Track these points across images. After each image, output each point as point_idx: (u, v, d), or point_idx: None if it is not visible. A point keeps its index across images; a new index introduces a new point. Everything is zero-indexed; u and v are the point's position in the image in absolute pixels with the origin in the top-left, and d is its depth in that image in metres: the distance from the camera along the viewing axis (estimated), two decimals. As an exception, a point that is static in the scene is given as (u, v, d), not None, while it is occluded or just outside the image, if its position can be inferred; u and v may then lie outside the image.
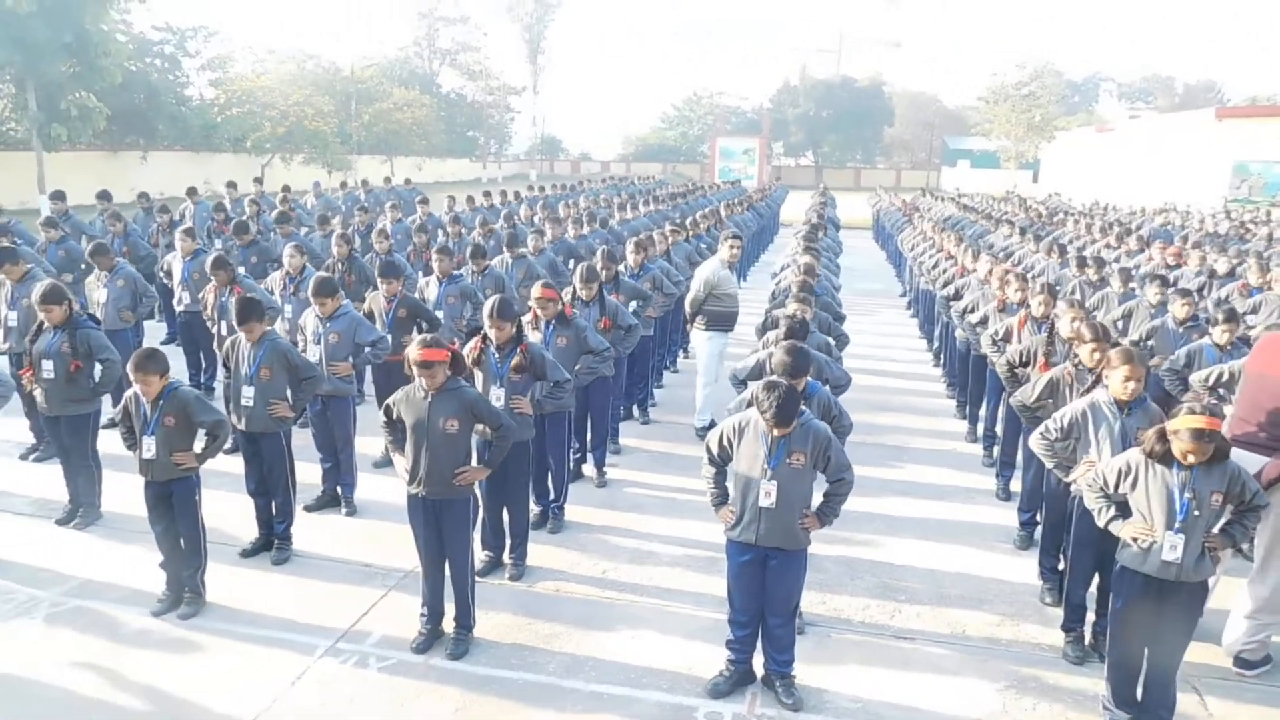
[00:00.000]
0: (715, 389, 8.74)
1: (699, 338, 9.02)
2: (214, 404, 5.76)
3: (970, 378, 8.93)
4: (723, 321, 8.82)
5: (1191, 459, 3.94)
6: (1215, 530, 4.03)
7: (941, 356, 11.50)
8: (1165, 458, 4.01)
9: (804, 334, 5.94)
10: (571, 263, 10.02)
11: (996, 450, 7.84)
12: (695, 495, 6.61)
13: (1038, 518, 6.24)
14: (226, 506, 6.50)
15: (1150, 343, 7.93)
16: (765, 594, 4.48)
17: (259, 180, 21.14)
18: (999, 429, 7.77)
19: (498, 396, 5.56)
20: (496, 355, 5.63)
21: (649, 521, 6.83)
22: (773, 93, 79.35)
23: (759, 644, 4.65)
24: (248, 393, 5.85)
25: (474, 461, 5.13)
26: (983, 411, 8.49)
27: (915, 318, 14.95)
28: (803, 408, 4.35)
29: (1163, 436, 3.98)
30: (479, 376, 5.62)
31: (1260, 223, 22.04)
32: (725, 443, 4.42)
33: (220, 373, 7.74)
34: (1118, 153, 50.03)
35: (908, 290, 17.15)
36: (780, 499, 4.27)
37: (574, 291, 7.30)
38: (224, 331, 7.76)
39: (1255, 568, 5.07)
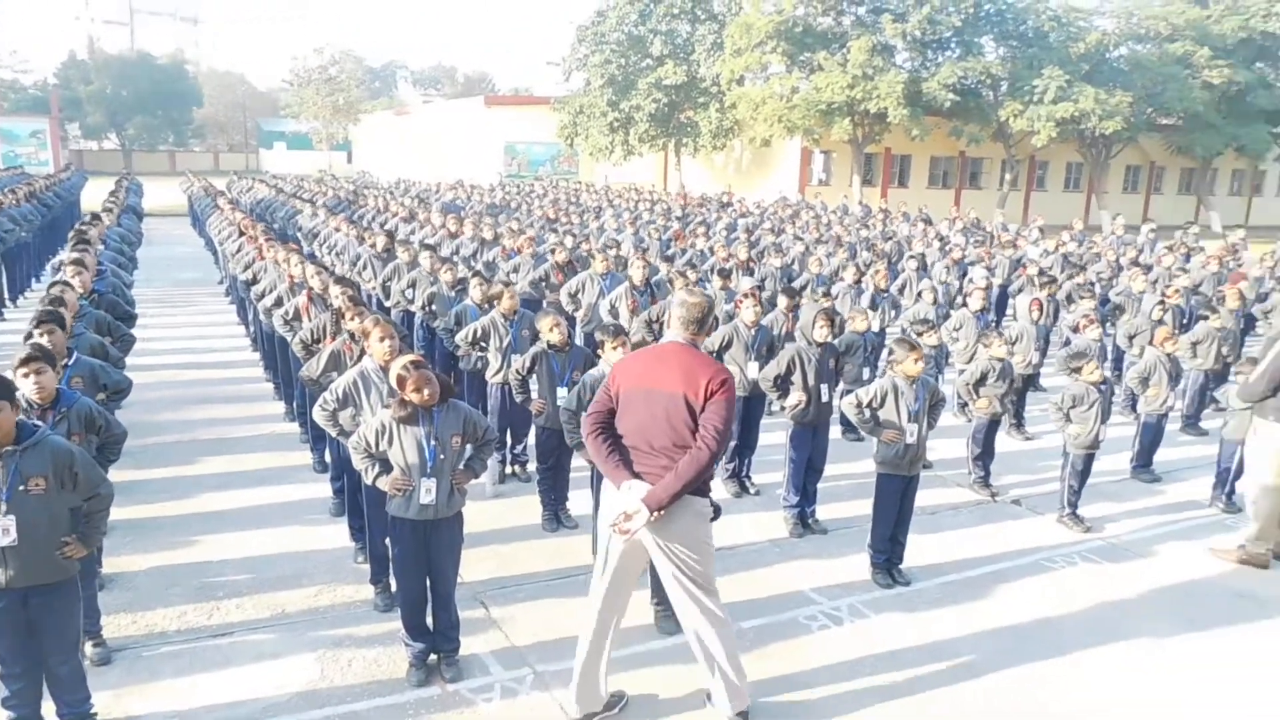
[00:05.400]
0: None
1: None
2: None
3: (278, 358, 8.77)
4: None
5: (426, 395, 4.24)
6: (461, 467, 4.47)
7: (257, 340, 11.12)
8: (411, 417, 4.31)
9: (60, 321, 5.18)
10: None
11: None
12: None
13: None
14: None
15: (433, 307, 8.64)
16: (35, 636, 3.83)
17: None
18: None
19: None
20: None
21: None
22: (58, 67, 68.10)
23: (43, 692, 3.99)
24: None
25: None
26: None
27: (234, 304, 14.23)
28: (37, 423, 3.78)
29: (404, 404, 4.29)
30: None
31: (526, 194, 25.52)
32: None
33: None
34: (415, 134, 53.69)
35: (225, 277, 16.25)
36: (24, 533, 3.63)
37: None
38: None
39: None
